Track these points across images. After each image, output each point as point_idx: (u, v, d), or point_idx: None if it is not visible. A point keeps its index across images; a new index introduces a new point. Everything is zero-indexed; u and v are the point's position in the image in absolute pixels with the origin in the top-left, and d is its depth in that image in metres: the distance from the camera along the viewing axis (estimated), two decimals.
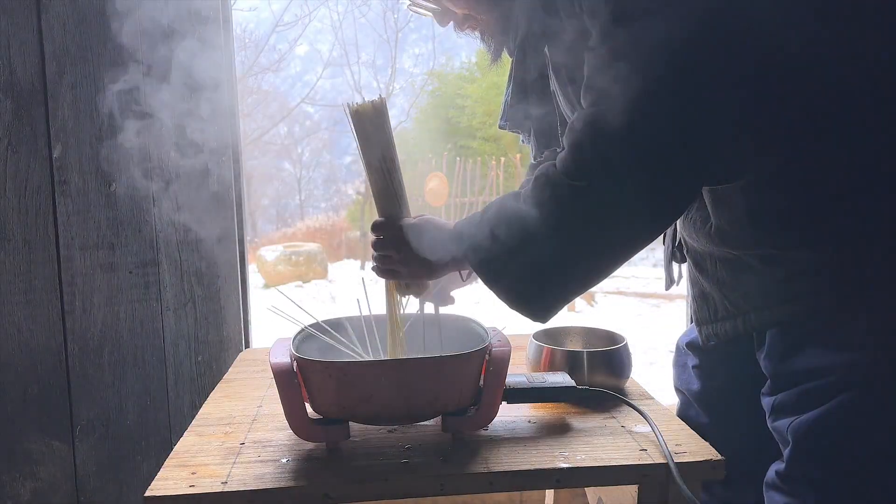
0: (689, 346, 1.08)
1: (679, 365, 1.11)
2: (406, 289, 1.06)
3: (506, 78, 1.15)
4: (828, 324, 0.80)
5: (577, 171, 0.82)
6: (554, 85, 0.97)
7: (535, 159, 1.18)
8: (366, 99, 0.97)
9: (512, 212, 0.87)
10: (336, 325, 1.08)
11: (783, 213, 0.80)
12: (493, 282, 0.89)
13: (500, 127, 1.17)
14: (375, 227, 1.02)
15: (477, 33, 1.02)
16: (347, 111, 0.98)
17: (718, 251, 0.88)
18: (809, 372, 0.81)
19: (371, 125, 0.98)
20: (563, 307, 0.90)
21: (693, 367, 1.07)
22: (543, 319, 0.91)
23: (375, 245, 1.03)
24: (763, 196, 0.81)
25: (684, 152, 0.79)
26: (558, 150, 1.04)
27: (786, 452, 0.83)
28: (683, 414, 1.08)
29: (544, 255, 0.85)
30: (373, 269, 1.04)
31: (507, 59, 1.06)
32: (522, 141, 1.20)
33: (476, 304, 5.93)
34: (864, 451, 0.78)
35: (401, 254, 0.99)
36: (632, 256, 0.86)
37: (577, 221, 0.83)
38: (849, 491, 0.79)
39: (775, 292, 0.83)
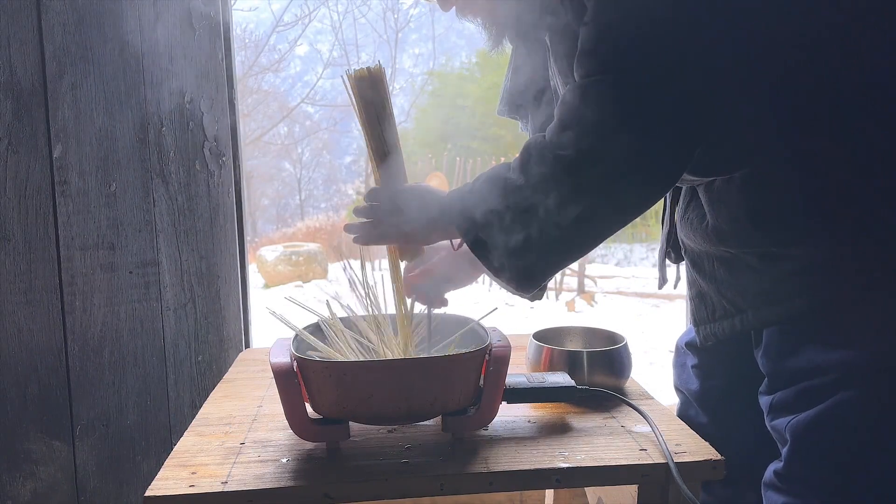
0: (688, 346, 1.08)
1: (678, 365, 1.11)
2: (401, 254, 1.06)
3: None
4: (826, 322, 0.80)
5: (563, 139, 0.82)
6: (553, 72, 0.97)
7: None
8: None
9: (500, 180, 0.87)
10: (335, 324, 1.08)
11: (782, 210, 0.80)
12: (478, 249, 0.89)
13: (499, 113, 1.16)
14: (372, 194, 1.02)
15: (478, 19, 1.01)
16: (346, 79, 0.99)
17: (716, 250, 0.88)
18: (807, 370, 0.81)
19: (369, 92, 0.99)
20: (547, 278, 0.89)
21: (692, 366, 1.07)
22: (528, 290, 0.90)
23: (368, 211, 1.01)
24: (762, 193, 0.81)
25: (672, 127, 0.79)
26: None
27: (784, 451, 0.83)
28: (683, 414, 1.08)
29: (527, 222, 0.84)
30: (356, 240, 1.02)
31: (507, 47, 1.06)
32: (521, 129, 1.18)
33: (475, 304, 5.94)
34: (863, 449, 0.78)
35: (393, 218, 0.99)
36: (617, 229, 0.86)
37: (561, 189, 0.82)
38: (847, 490, 0.79)
39: (773, 290, 0.82)
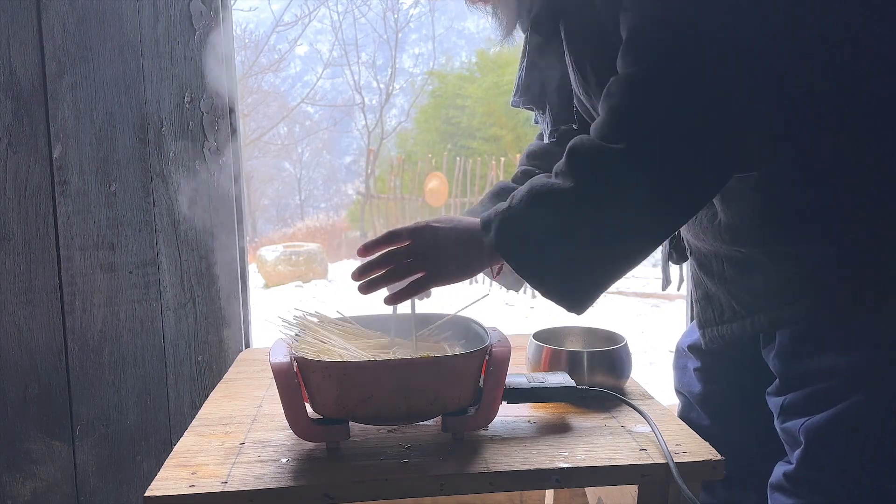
0: (690, 349, 1.07)
1: (679, 367, 1.10)
2: None
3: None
4: (840, 323, 0.79)
5: (614, 132, 0.78)
6: (569, 59, 0.94)
7: (548, 138, 1.09)
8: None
9: (545, 190, 0.81)
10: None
11: (797, 208, 0.80)
12: (532, 272, 0.83)
13: (513, 104, 1.11)
14: (397, 234, 0.92)
15: (489, 7, 0.98)
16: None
17: (726, 250, 0.87)
18: (821, 372, 0.80)
19: None
20: (603, 291, 0.84)
21: (694, 369, 1.06)
22: (583, 308, 0.85)
23: (402, 254, 0.91)
24: (776, 192, 0.80)
25: (726, 112, 0.76)
26: (574, 127, 1.01)
27: (796, 453, 0.82)
28: (684, 416, 1.08)
29: (586, 230, 0.79)
30: (393, 298, 0.94)
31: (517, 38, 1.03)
32: (535, 121, 1.13)
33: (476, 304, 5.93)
34: (876, 452, 0.78)
35: (432, 257, 0.90)
36: (679, 224, 0.81)
37: (618, 187, 0.78)
38: (858, 493, 0.79)
39: (785, 291, 0.81)
